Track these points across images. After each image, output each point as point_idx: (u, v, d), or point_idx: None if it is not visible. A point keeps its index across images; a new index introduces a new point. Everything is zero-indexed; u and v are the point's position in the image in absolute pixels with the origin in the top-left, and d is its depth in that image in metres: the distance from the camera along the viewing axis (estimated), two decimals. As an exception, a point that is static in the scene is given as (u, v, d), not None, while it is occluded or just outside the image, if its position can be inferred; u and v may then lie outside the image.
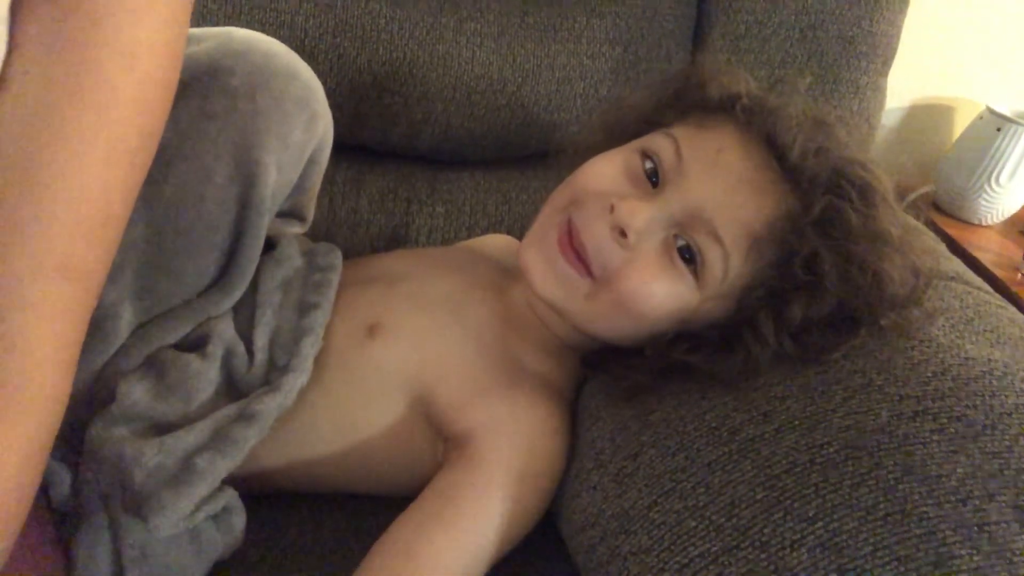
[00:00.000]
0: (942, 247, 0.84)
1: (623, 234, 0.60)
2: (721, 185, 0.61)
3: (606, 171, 0.65)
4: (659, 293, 0.61)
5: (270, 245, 0.70)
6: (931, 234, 0.89)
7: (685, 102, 0.69)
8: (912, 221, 0.66)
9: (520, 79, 0.96)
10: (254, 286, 0.66)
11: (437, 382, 0.65)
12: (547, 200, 0.68)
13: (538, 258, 0.65)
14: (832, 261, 0.58)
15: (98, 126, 0.45)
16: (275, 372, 0.64)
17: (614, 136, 0.71)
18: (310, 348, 0.64)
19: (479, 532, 0.58)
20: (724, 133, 0.63)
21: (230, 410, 0.61)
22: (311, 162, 0.68)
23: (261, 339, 0.64)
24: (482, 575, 0.59)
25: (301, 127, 0.63)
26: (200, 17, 0.89)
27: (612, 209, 0.61)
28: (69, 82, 0.44)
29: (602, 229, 0.61)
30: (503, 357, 0.67)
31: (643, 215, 0.60)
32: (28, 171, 0.44)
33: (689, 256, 0.61)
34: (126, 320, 0.60)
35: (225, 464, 0.58)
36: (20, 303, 0.44)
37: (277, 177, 0.63)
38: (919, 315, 0.60)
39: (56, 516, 0.59)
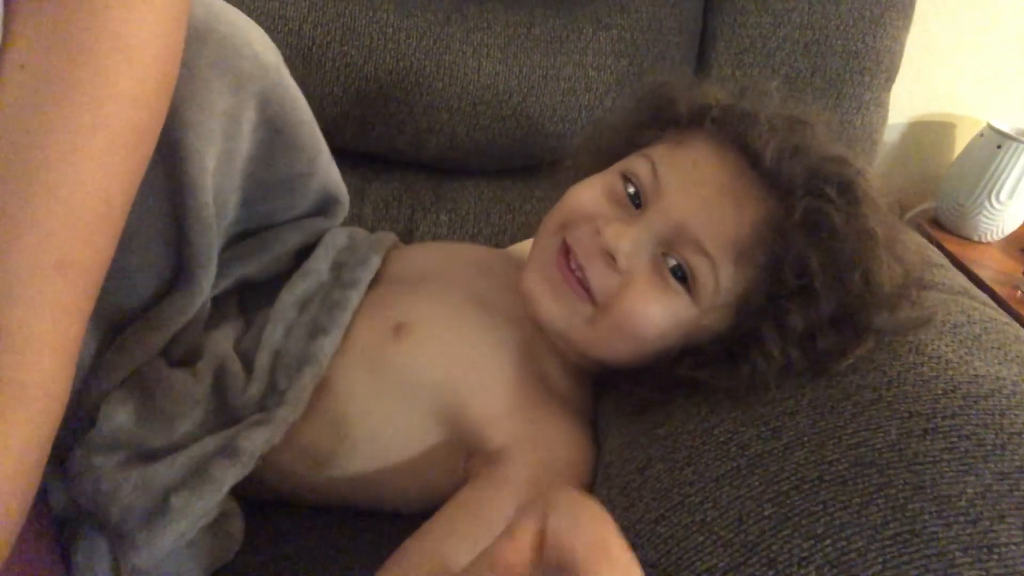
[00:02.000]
0: (945, 261, 0.84)
1: (612, 257, 0.61)
2: (700, 199, 0.61)
3: (590, 195, 0.65)
4: (656, 314, 0.61)
5: (307, 250, 0.69)
6: (934, 249, 0.89)
7: (659, 121, 0.69)
8: (895, 219, 0.66)
9: (526, 90, 0.97)
10: (272, 299, 0.66)
11: (470, 394, 0.63)
12: (540, 225, 0.68)
13: (540, 285, 0.65)
14: (820, 262, 0.57)
15: (96, 121, 0.44)
16: (273, 397, 0.62)
17: (601, 157, 0.71)
18: (309, 379, 0.61)
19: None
20: (698, 147, 0.63)
21: (214, 442, 0.58)
22: (277, 124, 0.64)
23: (264, 359, 0.63)
24: None
25: (227, 92, 0.59)
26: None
27: (599, 232, 0.61)
28: (67, 76, 0.44)
29: (593, 252, 0.62)
30: (532, 372, 0.66)
31: (628, 238, 0.61)
32: (25, 166, 0.43)
33: (680, 273, 0.61)
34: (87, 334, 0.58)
35: (201, 504, 0.55)
36: (19, 300, 0.43)
37: (214, 152, 0.59)
38: (913, 313, 0.60)
39: (56, 521, 0.58)
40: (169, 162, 0.57)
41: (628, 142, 0.69)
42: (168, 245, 0.61)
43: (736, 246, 0.60)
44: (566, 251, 0.64)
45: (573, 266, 0.63)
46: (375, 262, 0.72)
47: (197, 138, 0.58)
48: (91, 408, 0.58)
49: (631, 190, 0.64)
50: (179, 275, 0.63)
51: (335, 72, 0.93)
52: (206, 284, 0.63)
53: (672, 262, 0.61)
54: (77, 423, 0.58)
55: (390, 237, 0.77)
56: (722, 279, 0.60)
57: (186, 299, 0.62)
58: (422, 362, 0.64)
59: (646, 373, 0.64)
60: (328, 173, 0.74)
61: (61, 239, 0.44)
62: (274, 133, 0.66)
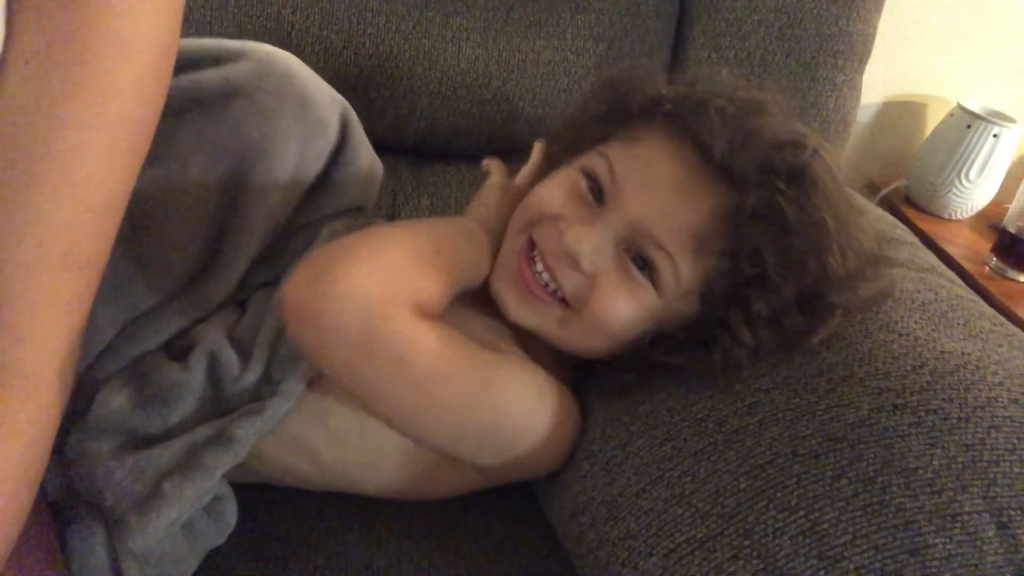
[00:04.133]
0: (915, 239, 0.86)
1: (576, 260, 0.62)
2: (655, 197, 0.62)
3: (555, 193, 0.66)
4: (624, 311, 0.62)
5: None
6: (904, 228, 0.91)
7: (613, 116, 0.69)
8: (856, 197, 0.66)
9: (505, 74, 0.98)
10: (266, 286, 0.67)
11: None
12: (509, 223, 0.69)
13: (508, 288, 0.66)
14: (773, 253, 0.59)
15: (98, 116, 0.45)
16: (267, 387, 0.63)
17: (569, 148, 0.71)
18: (303, 371, 0.62)
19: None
20: (652, 142, 0.64)
21: (208, 430, 0.59)
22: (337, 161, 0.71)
23: (261, 349, 0.63)
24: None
25: (298, 126, 0.65)
26: (189, 11, 0.89)
27: (561, 234, 0.62)
28: (71, 73, 0.44)
29: (560, 254, 0.63)
30: (512, 342, 0.67)
31: (588, 240, 0.62)
32: (31, 161, 0.44)
33: (643, 265, 0.62)
34: (105, 320, 0.60)
35: (194, 490, 0.57)
36: (26, 293, 0.44)
37: (285, 166, 0.65)
38: (872, 288, 0.62)
39: (52, 508, 0.59)
40: (231, 171, 0.63)
41: (590, 136, 0.70)
42: (206, 247, 0.64)
43: (693, 240, 0.61)
44: (530, 253, 0.64)
45: (540, 268, 0.64)
46: None
47: (275, 154, 0.65)
48: (89, 393, 0.59)
49: (592, 187, 0.65)
50: (202, 275, 0.65)
51: (315, 57, 0.93)
52: (226, 286, 0.66)
53: (635, 256, 0.62)
54: (73, 408, 0.59)
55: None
56: (682, 272, 0.61)
57: (203, 298, 0.65)
58: None
59: (623, 360, 0.66)
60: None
61: (67, 233, 0.45)
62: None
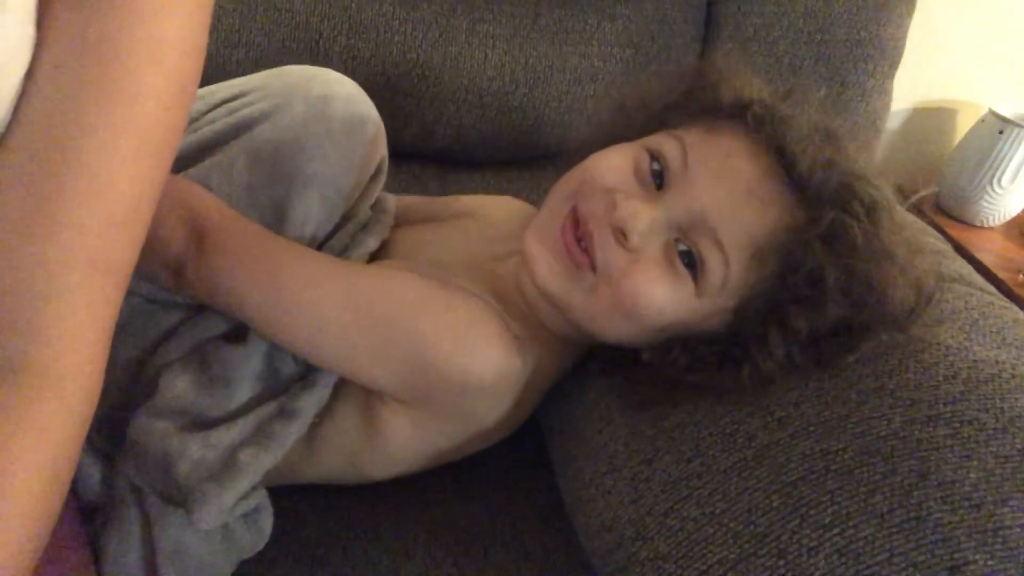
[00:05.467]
0: (947, 247, 0.85)
1: (624, 235, 0.60)
2: (726, 192, 0.60)
3: (614, 164, 0.64)
4: (659, 296, 0.61)
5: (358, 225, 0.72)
6: (936, 235, 0.90)
7: (695, 104, 0.67)
8: (917, 234, 0.65)
9: (532, 81, 0.97)
10: None
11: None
12: (554, 186, 0.67)
13: (542, 249, 0.63)
14: (836, 277, 0.57)
15: (127, 120, 0.46)
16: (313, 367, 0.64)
17: (620, 132, 0.69)
18: None
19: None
20: (733, 139, 0.63)
21: (271, 407, 0.62)
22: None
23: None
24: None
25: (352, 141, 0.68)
26: (218, 20, 0.90)
27: (615, 206, 0.61)
28: (99, 79, 0.45)
29: (605, 225, 0.61)
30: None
31: (645, 218, 0.60)
32: (59, 164, 0.44)
33: (689, 261, 0.61)
34: (179, 305, 0.63)
35: (268, 458, 0.59)
36: (54, 296, 0.45)
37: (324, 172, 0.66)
38: (922, 328, 0.61)
39: (84, 511, 0.60)
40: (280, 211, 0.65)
41: (657, 120, 0.68)
42: None
43: (752, 247, 0.59)
44: (574, 221, 0.63)
45: (582, 235, 0.62)
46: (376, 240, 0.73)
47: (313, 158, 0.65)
48: (153, 377, 0.61)
49: (656, 168, 0.63)
50: None
51: (342, 65, 0.93)
52: None
53: (683, 246, 0.61)
54: (138, 392, 0.61)
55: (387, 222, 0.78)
56: (732, 276, 0.60)
57: None
58: None
59: (645, 369, 0.64)
60: None
61: (95, 237, 0.45)
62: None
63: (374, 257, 0.72)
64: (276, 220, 0.65)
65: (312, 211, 0.66)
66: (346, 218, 0.71)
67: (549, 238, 0.63)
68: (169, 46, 0.47)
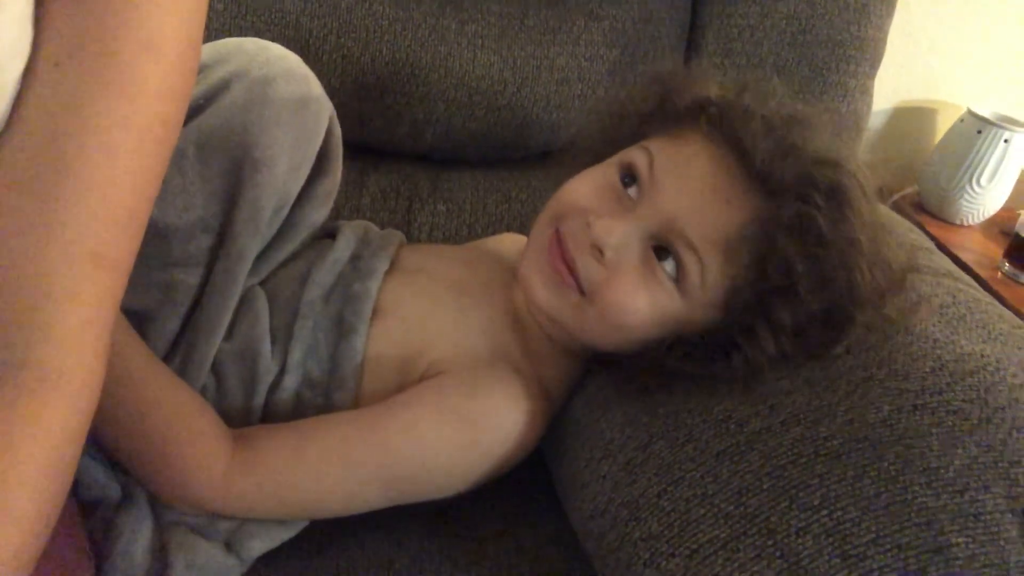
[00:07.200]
0: (931, 244, 0.86)
1: (600, 250, 0.63)
2: (691, 195, 0.62)
3: (583, 190, 0.67)
4: (641, 305, 0.63)
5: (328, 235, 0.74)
6: (919, 232, 0.91)
7: (662, 113, 0.70)
8: (889, 214, 0.66)
9: (520, 80, 0.98)
10: (299, 292, 0.68)
11: (427, 348, 0.68)
12: (537, 217, 0.70)
13: (533, 272, 0.68)
14: (804, 266, 0.59)
15: (127, 116, 0.46)
16: (316, 387, 0.67)
17: (605, 144, 0.72)
18: (351, 373, 0.67)
19: (386, 441, 0.62)
20: (694, 142, 0.65)
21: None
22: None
23: (296, 354, 0.66)
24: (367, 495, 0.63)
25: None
26: (209, 18, 0.89)
27: (590, 226, 0.63)
28: (99, 74, 0.45)
29: (583, 244, 0.64)
30: (495, 346, 0.69)
31: (617, 232, 0.62)
32: (60, 161, 0.44)
33: (669, 265, 0.63)
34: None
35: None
36: (54, 292, 0.44)
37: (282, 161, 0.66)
38: (898, 308, 0.62)
39: (84, 510, 0.60)
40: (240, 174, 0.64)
41: (630, 132, 0.71)
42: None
43: (723, 243, 0.61)
44: (559, 241, 0.66)
45: (567, 258, 0.65)
46: (390, 252, 0.74)
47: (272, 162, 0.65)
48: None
49: (628, 180, 0.66)
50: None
51: (332, 64, 0.94)
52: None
53: (662, 254, 0.63)
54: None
55: (398, 235, 0.79)
56: (708, 274, 0.62)
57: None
58: (389, 339, 0.68)
59: (641, 363, 0.66)
60: None
61: (96, 232, 0.45)
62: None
63: None
64: (232, 207, 0.65)
65: (263, 195, 0.65)
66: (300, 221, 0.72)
67: (538, 263, 0.67)
68: (168, 42, 0.47)
